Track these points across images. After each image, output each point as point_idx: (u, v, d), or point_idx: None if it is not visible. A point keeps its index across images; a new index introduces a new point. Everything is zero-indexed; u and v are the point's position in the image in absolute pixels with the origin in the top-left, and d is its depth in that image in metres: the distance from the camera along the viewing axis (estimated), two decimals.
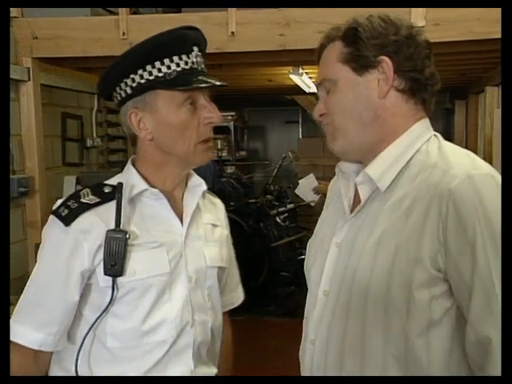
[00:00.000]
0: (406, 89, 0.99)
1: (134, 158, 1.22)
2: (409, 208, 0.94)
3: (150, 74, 1.11)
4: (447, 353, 0.94)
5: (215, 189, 3.35)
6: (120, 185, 1.13)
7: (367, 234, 0.98)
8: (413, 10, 2.34)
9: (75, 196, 1.14)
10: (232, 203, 4.83)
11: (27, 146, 2.66)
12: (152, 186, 1.16)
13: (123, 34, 2.54)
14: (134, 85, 1.12)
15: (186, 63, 1.12)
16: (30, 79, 2.61)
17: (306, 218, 6.04)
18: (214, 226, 1.28)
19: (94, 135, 3.54)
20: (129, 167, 1.20)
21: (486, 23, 2.31)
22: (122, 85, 1.14)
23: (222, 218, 1.33)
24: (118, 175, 1.21)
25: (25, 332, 1.11)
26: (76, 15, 2.64)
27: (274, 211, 5.03)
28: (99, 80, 1.20)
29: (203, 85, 1.12)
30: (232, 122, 5.99)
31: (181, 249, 1.16)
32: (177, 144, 1.13)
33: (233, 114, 6.04)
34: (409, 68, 0.98)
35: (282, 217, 5.10)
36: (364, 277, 0.96)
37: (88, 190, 1.15)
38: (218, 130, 5.87)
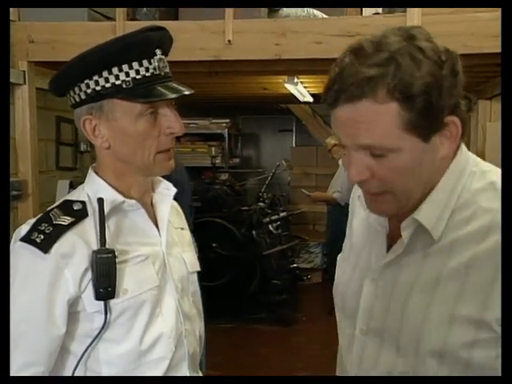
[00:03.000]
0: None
1: (95, 167, 1.14)
2: (468, 262, 0.84)
3: (107, 80, 1.02)
4: None
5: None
6: (101, 200, 1.04)
7: (413, 276, 0.89)
8: (408, 23, 2.36)
9: (45, 219, 1.04)
10: (225, 210, 4.83)
11: (21, 149, 2.66)
12: (122, 195, 1.09)
13: None
14: (89, 91, 1.03)
15: (147, 69, 1.03)
16: (25, 83, 2.62)
17: (298, 226, 6.06)
18: (182, 229, 1.25)
19: None
20: (94, 177, 1.11)
21: (479, 38, 2.34)
22: (76, 89, 1.05)
23: (185, 220, 1.29)
24: (81, 186, 1.13)
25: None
26: (73, 20, 2.65)
27: (267, 219, 5.03)
28: (51, 80, 1.10)
29: (164, 97, 1.04)
30: (226, 130, 5.99)
31: (164, 258, 1.12)
32: (135, 154, 1.06)
33: (227, 121, 6.04)
34: (464, 110, 0.87)
35: (274, 225, 5.10)
36: (414, 326, 0.87)
37: (57, 210, 1.05)
38: (212, 137, 5.88)
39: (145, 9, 2.81)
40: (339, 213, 4.65)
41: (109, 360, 1.05)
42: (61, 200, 1.10)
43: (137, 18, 2.83)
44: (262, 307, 4.73)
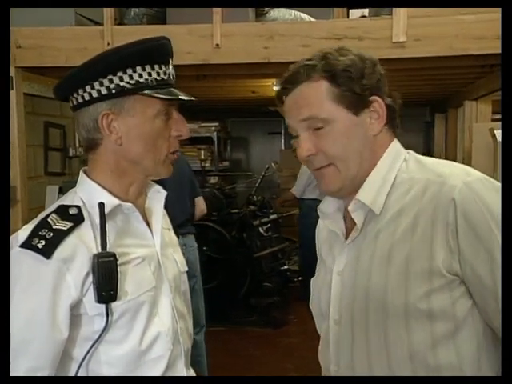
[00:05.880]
0: (388, 121, 1.05)
1: (86, 170, 1.15)
2: (413, 222, 0.96)
3: (131, 77, 1.07)
4: (475, 351, 0.95)
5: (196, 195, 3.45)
6: (102, 205, 1.06)
7: (369, 254, 1.00)
8: (394, 25, 2.39)
9: (44, 224, 1.04)
10: (215, 213, 4.83)
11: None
12: (116, 198, 1.10)
13: (108, 44, 2.54)
14: (112, 86, 1.07)
15: (165, 73, 1.10)
16: (12, 88, 2.60)
17: (288, 228, 6.07)
18: (169, 230, 1.27)
19: (77, 145, 3.53)
20: (86, 181, 1.12)
21: (464, 40, 2.37)
22: (96, 84, 1.07)
23: (169, 221, 1.30)
24: (73, 190, 1.14)
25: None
26: (60, 25, 2.65)
27: (257, 222, 5.03)
28: (67, 76, 1.11)
29: (184, 98, 1.11)
30: (215, 133, 6.00)
31: (158, 259, 1.14)
32: (147, 152, 1.10)
33: (216, 124, 6.05)
34: (390, 102, 1.04)
35: (264, 227, 5.11)
36: (379, 295, 0.97)
37: (54, 215, 1.06)
38: (202, 140, 5.88)
39: (132, 13, 2.81)
40: (306, 206, 4.92)
41: (109, 361, 1.07)
42: (55, 205, 1.10)
43: (124, 22, 2.82)
44: (253, 310, 4.74)
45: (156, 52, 1.10)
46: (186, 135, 1.13)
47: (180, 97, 1.11)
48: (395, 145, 1.07)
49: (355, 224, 1.04)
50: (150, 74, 1.08)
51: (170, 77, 1.12)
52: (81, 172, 1.15)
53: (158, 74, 1.09)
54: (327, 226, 1.12)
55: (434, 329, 0.94)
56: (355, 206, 1.03)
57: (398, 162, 1.04)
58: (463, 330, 0.95)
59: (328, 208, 1.12)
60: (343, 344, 1.04)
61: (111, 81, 1.07)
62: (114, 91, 1.07)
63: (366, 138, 1.03)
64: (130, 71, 1.07)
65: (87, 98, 1.09)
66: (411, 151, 1.09)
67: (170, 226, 1.29)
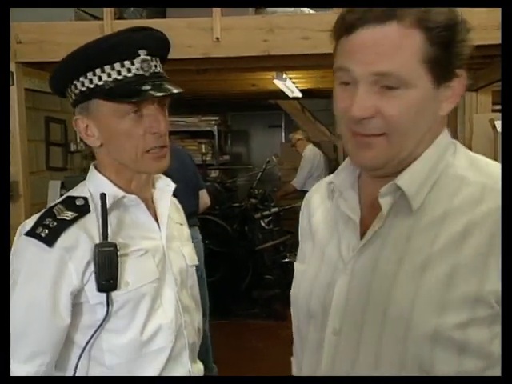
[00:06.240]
0: None
1: (96, 163, 1.18)
2: (462, 233, 0.79)
3: (91, 81, 1.06)
4: None
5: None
6: (103, 195, 1.08)
7: (396, 258, 0.82)
8: None
9: (49, 214, 1.07)
10: (216, 207, 4.83)
11: (11, 150, 2.65)
12: (122, 190, 1.12)
13: None
14: (77, 92, 1.08)
15: (129, 70, 1.05)
16: (13, 83, 2.60)
17: (290, 221, 6.08)
18: (181, 224, 1.28)
19: (78, 140, 3.53)
20: (95, 174, 1.15)
21: None
22: (69, 90, 1.11)
23: (183, 216, 1.32)
24: (83, 183, 1.17)
25: (12, 368, 1.02)
26: (60, 20, 2.65)
27: (259, 215, 5.05)
28: (49, 78, 1.14)
29: (142, 97, 1.05)
30: (216, 127, 6.01)
31: (164, 252, 1.15)
32: (123, 153, 1.10)
33: (216, 118, 6.06)
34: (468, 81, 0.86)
35: (266, 220, 5.12)
36: (401, 311, 0.79)
37: (60, 205, 1.09)
38: (202, 134, 5.89)
39: (132, 7, 2.81)
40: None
41: (111, 349, 1.08)
42: (64, 196, 1.14)
43: (124, 16, 2.82)
44: (255, 302, 4.76)
45: (114, 50, 1.05)
46: (162, 130, 1.09)
47: (140, 96, 1.04)
48: (447, 134, 0.88)
49: (375, 212, 0.84)
50: (109, 75, 1.05)
51: (138, 71, 1.05)
52: (91, 165, 1.18)
53: (119, 73, 1.05)
54: (339, 207, 0.91)
55: (461, 363, 0.78)
56: (388, 191, 0.83)
57: (447, 154, 0.86)
58: (495, 369, 0.78)
59: (343, 184, 0.91)
60: (342, 360, 0.85)
61: (76, 86, 1.08)
62: (78, 97, 1.09)
63: (435, 117, 0.83)
64: (90, 75, 1.06)
65: (70, 100, 1.13)
66: (457, 142, 0.90)
67: (184, 221, 1.30)
